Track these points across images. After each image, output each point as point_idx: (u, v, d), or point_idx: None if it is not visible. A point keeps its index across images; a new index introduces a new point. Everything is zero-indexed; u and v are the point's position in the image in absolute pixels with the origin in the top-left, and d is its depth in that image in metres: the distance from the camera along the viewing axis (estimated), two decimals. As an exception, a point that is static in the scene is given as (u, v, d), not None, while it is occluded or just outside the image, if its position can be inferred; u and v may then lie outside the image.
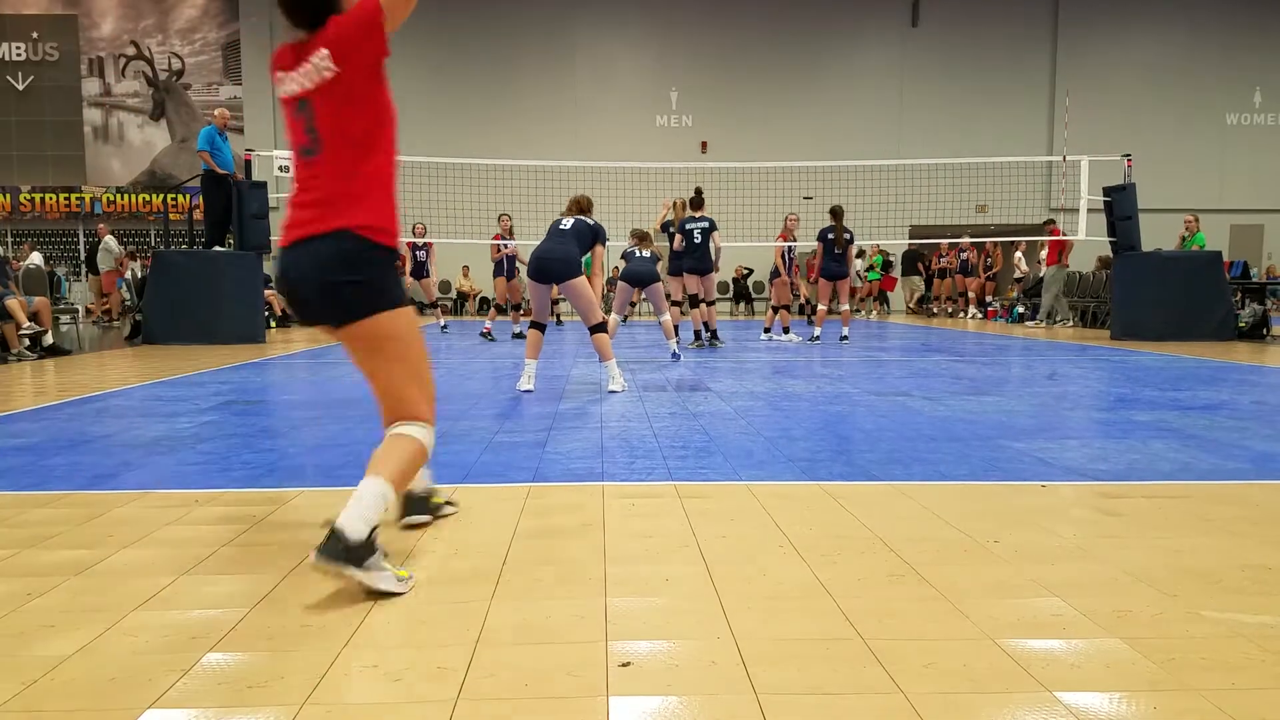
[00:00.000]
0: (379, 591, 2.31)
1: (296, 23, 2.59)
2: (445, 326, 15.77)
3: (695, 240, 10.81)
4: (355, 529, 2.27)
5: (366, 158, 2.51)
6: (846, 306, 12.07)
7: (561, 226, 6.63)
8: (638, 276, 10.22)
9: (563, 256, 6.44)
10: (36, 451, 4.32)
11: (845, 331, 12.05)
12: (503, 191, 18.40)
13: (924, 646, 2.01)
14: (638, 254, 10.33)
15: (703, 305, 11.30)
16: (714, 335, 11.56)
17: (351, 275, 2.48)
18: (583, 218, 6.76)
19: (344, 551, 2.24)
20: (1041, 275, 17.99)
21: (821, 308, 12.03)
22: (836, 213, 11.59)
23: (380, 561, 2.35)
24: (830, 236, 11.55)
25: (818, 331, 12.17)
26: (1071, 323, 16.85)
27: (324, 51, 2.49)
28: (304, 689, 1.81)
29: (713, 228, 10.85)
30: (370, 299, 2.53)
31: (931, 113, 24.47)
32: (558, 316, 17.98)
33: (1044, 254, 17.71)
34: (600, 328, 6.71)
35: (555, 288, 6.64)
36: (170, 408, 5.78)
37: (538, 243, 6.70)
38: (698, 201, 11.18)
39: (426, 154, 18.07)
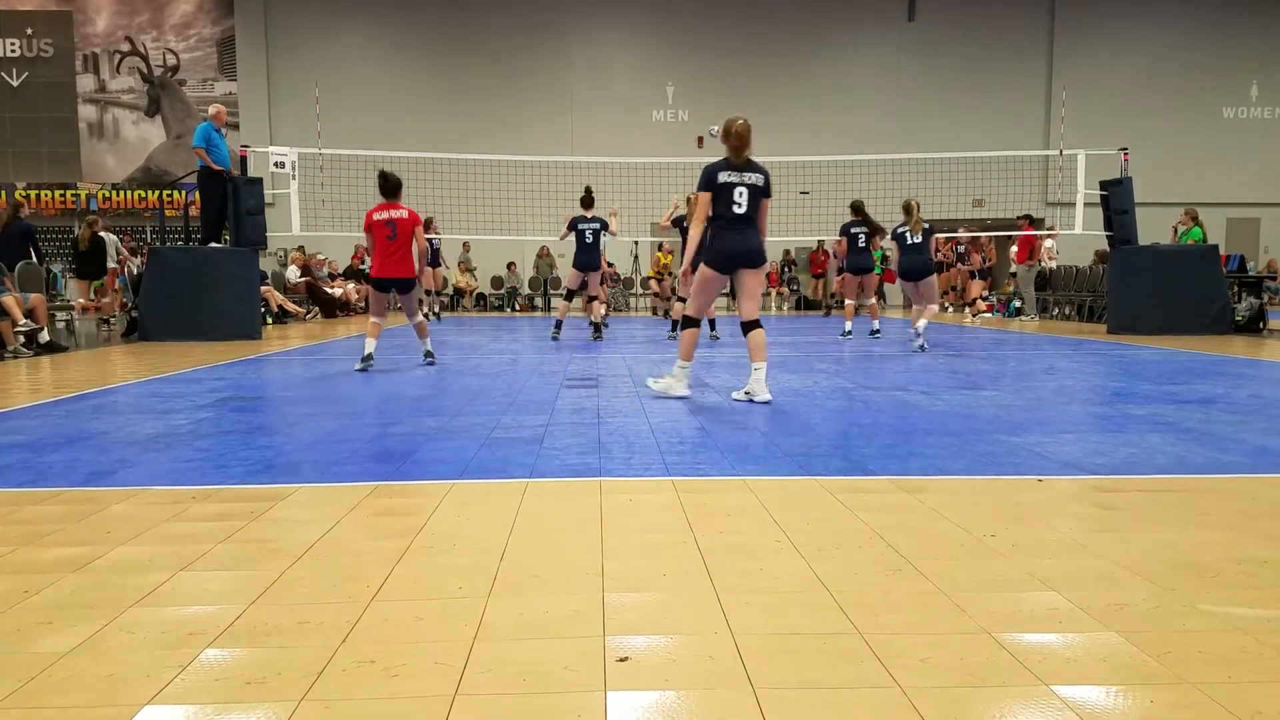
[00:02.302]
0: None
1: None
2: (438, 314, 16.38)
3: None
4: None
5: None
6: (874, 300, 12.18)
7: (739, 209, 5.66)
8: (909, 271, 9.95)
9: (758, 247, 5.79)
10: (33, 448, 4.31)
11: (876, 325, 12.05)
12: (499, 187, 18.38)
13: (921, 641, 2.02)
14: (909, 239, 9.92)
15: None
16: (710, 325, 11.77)
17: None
18: (757, 174, 5.72)
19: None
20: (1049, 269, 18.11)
21: (849, 302, 12.13)
22: (858, 207, 11.69)
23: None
24: (854, 230, 11.64)
25: (849, 326, 12.10)
26: (1035, 317, 17.01)
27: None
28: (302, 685, 1.82)
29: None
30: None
31: (928, 107, 24.45)
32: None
33: (1014, 251, 17.79)
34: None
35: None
36: (167, 404, 5.77)
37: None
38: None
39: (422, 150, 18.04)
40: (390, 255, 7.78)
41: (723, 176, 5.68)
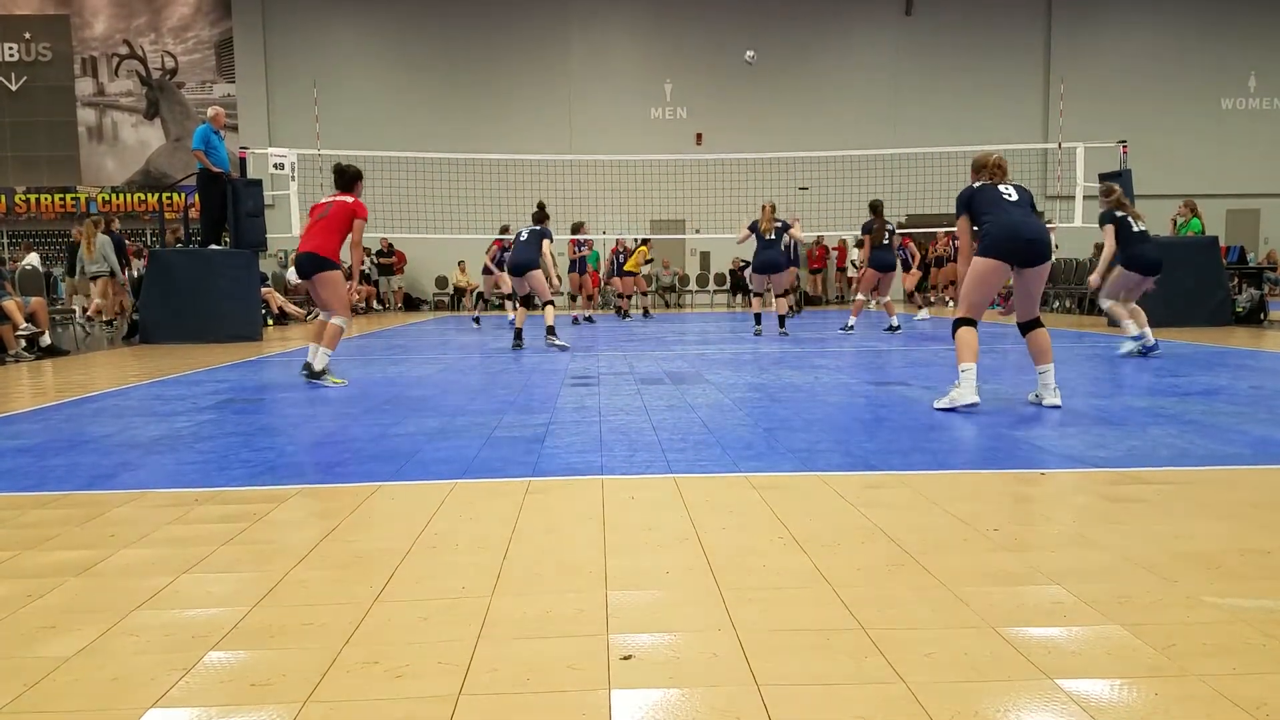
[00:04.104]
0: None
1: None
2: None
3: (769, 238, 11.36)
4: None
5: None
6: (889, 298, 12.25)
7: (1010, 198, 5.22)
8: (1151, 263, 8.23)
9: (1044, 237, 5.18)
10: (35, 452, 4.31)
11: (895, 321, 12.06)
12: (497, 186, 18.37)
13: (924, 635, 2.02)
14: (1134, 226, 8.20)
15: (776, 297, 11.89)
16: (782, 321, 11.98)
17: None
18: (1018, 188, 5.30)
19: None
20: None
21: (860, 298, 12.24)
22: (876, 207, 11.98)
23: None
24: (874, 229, 11.83)
25: (852, 321, 12.16)
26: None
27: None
28: (306, 687, 1.82)
29: (786, 227, 11.43)
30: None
31: (926, 101, 24.42)
32: (645, 309, 17.67)
33: None
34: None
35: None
36: (168, 407, 5.77)
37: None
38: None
39: (420, 149, 18.04)
40: (311, 231, 6.89)
41: (978, 184, 5.30)
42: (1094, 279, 8.72)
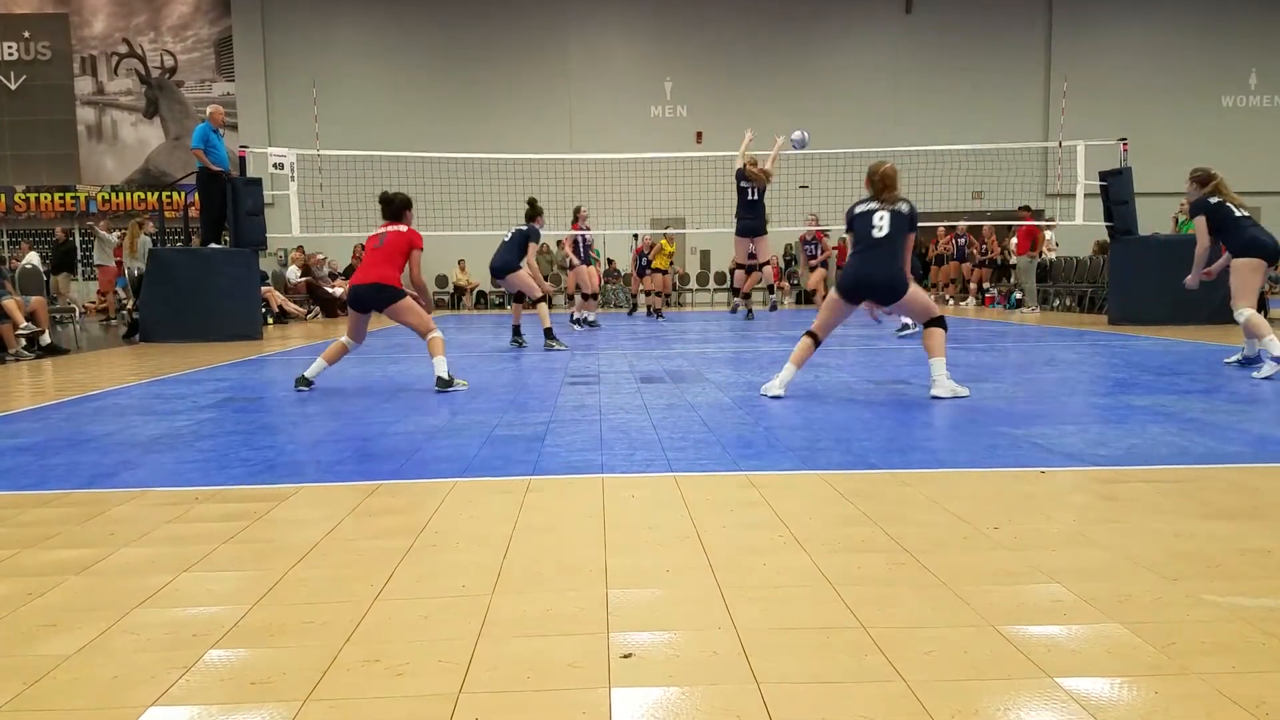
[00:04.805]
0: None
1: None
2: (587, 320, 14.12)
3: (750, 197, 11.46)
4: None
5: None
6: None
7: (878, 233, 5.51)
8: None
9: (884, 281, 5.53)
10: (35, 451, 4.32)
11: (907, 320, 11.72)
12: (497, 184, 18.35)
13: (924, 634, 2.02)
14: (1236, 212, 7.50)
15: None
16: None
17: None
18: (902, 203, 5.60)
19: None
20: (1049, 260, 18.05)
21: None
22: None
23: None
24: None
25: (908, 321, 11.02)
26: (1038, 310, 16.86)
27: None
28: (306, 685, 1.82)
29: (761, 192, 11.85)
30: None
31: (926, 99, 24.41)
32: (658, 310, 17.45)
33: (1014, 242, 17.69)
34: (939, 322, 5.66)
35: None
36: (169, 406, 5.77)
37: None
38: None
39: (420, 149, 18.03)
40: (370, 262, 6.58)
41: (860, 208, 5.60)
42: (1191, 280, 8.01)
